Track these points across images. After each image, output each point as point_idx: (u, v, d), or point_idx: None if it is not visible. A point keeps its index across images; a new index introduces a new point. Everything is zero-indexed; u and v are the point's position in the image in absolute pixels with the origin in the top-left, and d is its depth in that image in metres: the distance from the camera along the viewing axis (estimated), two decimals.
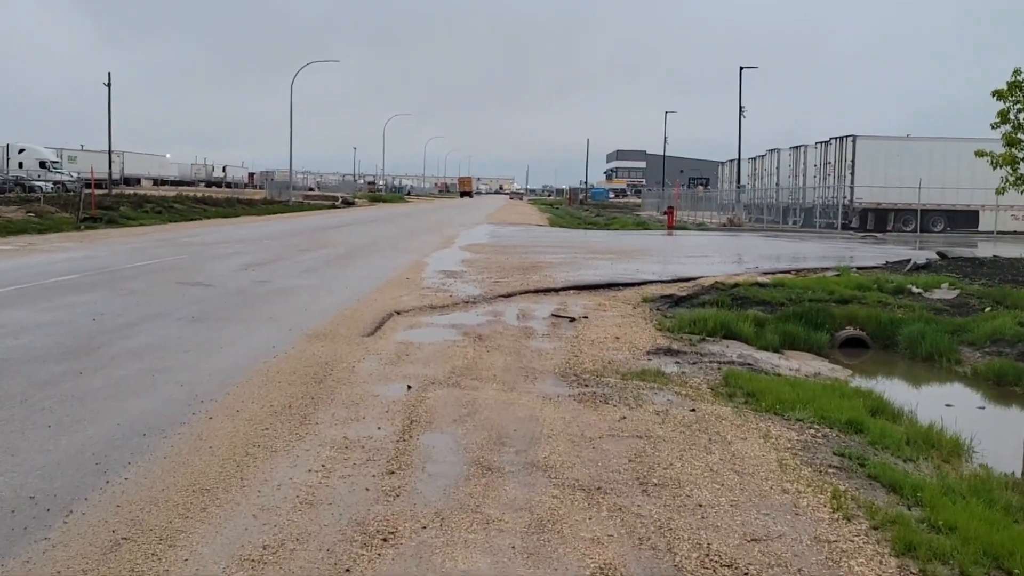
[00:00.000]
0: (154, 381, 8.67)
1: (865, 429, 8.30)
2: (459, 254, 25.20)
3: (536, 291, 16.81)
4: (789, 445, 7.46)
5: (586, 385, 9.39)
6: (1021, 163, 16.77)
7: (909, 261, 22.29)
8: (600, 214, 66.50)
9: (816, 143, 51.12)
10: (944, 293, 17.11)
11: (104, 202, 42.65)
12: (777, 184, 57.09)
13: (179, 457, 6.34)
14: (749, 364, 11.58)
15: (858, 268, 20.98)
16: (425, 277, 18.64)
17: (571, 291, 17.07)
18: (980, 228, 46.04)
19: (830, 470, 6.87)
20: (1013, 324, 14.04)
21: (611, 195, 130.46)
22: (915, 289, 17.32)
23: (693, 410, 8.46)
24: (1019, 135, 16.75)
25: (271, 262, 21.26)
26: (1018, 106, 16.59)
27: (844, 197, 46.66)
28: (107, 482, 5.81)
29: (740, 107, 58.48)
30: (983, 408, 11.42)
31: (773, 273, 20.31)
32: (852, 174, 46.22)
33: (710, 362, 11.42)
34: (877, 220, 46.30)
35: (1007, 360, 12.56)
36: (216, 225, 39.06)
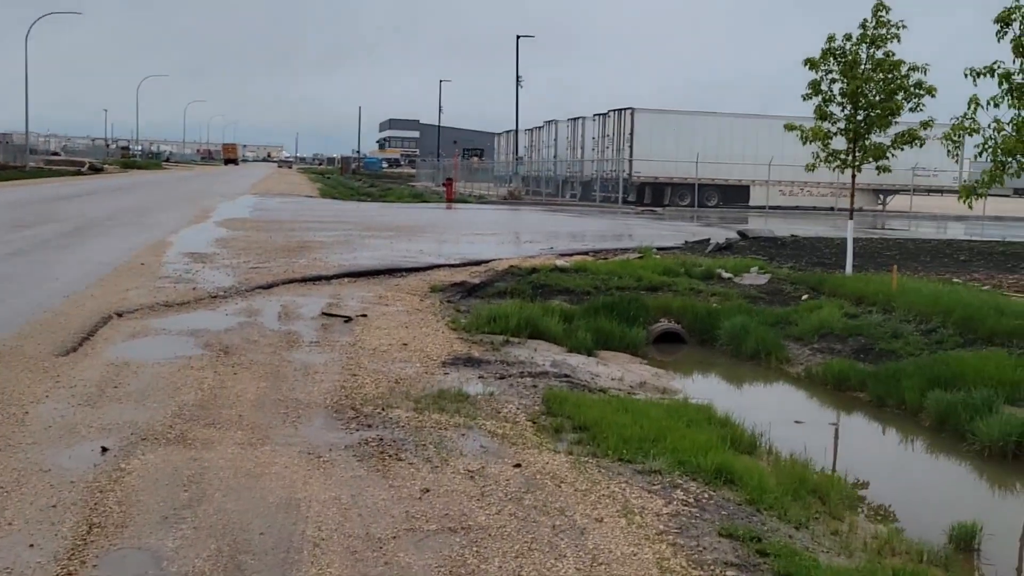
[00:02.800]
0: None
1: (736, 478, 6.42)
2: (214, 231, 21.72)
3: (303, 279, 14.04)
4: (661, 527, 5.29)
5: (369, 425, 6.93)
6: (833, 138, 15.48)
7: (708, 241, 21.10)
8: (374, 184, 63.41)
9: (595, 115, 50.29)
10: (755, 278, 15.78)
11: None
12: (555, 157, 56.15)
13: None
14: (567, 376, 9.54)
15: (659, 249, 19.48)
16: (166, 262, 15.32)
17: (346, 279, 14.43)
18: (751, 203, 46.79)
19: (728, 574, 4.75)
20: (840, 316, 12.74)
21: (385, 165, 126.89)
22: (725, 274, 15.89)
23: (518, 465, 6.17)
24: (831, 108, 15.45)
25: None
26: (831, 76, 15.28)
27: (623, 171, 46.05)
28: None
29: (517, 76, 57.05)
30: (835, 424, 9.85)
31: (571, 255, 18.46)
32: (631, 147, 45.64)
33: (520, 375, 9.28)
34: (654, 194, 46.05)
35: (844, 360, 11.13)
36: None
